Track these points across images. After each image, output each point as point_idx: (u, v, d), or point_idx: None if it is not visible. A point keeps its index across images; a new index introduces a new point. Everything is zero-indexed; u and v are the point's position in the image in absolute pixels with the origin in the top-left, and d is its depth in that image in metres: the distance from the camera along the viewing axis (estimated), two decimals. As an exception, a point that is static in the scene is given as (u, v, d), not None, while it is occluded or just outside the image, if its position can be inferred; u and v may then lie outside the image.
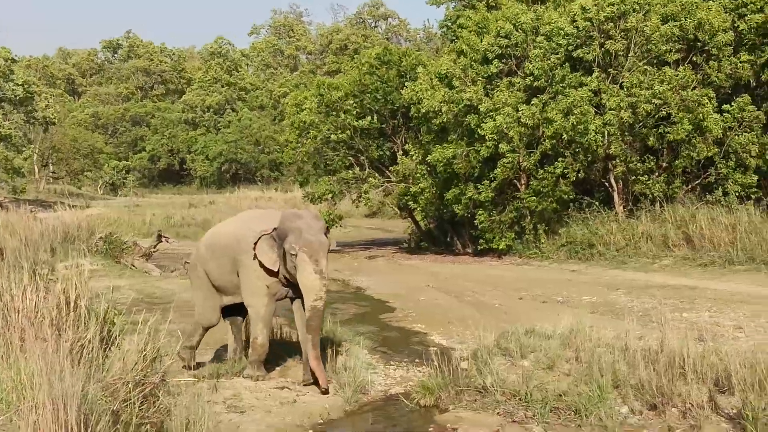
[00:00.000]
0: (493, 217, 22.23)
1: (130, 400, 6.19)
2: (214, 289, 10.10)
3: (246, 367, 9.68)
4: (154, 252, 21.56)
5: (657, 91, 19.63)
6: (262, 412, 8.54)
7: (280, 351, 10.61)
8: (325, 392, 9.14)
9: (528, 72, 21.57)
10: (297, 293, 9.44)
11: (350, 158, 27.30)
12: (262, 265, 9.27)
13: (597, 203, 21.50)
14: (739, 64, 20.28)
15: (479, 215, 22.29)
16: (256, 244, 9.22)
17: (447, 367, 9.49)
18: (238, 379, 9.52)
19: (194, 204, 43.17)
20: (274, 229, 9.32)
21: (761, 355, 8.00)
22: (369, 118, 25.91)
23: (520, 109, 20.88)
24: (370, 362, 11.07)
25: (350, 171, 27.08)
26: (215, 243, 10.15)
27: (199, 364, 10.22)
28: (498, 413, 8.50)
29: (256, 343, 9.59)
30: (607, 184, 21.81)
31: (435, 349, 10.67)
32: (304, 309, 9.36)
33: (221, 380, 9.40)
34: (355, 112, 26.00)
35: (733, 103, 20.24)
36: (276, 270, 9.28)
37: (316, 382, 9.26)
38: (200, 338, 10.42)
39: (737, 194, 19.67)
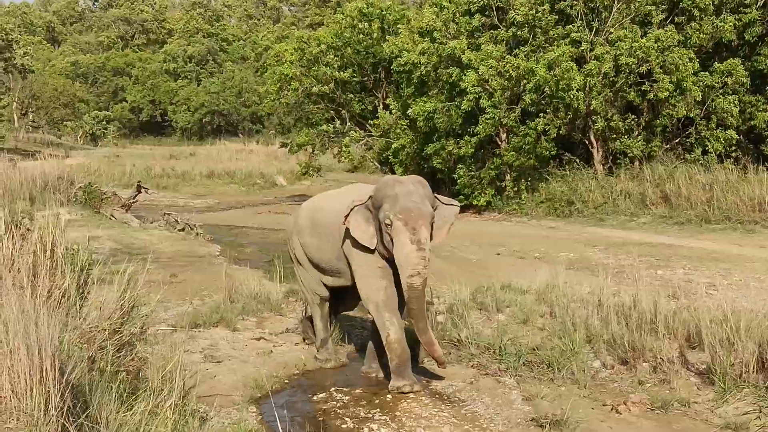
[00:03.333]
0: (473, 173, 22.27)
1: (106, 347, 6.23)
2: (312, 265, 8.91)
3: (393, 386, 7.97)
4: (133, 203, 21.49)
5: (641, 44, 19.61)
6: (238, 362, 8.62)
7: (255, 303, 10.68)
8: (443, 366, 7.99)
9: (511, 22, 21.49)
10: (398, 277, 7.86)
11: (331, 112, 27.25)
12: (357, 242, 7.89)
13: (577, 161, 21.58)
14: (720, 25, 20.28)
15: (459, 171, 22.33)
16: (347, 216, 7.85)
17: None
18: (216, 329, 9.57)
19: (175, 155, 43.00)
20: (370, 197, 7.94)
21: (732, 312, 8.10)
22: (350, 70, 25.81)
23: (503, 60, 20.79)
24: (346, 314, 11.15)
25: (331, 125, 27.02)
26: (316, 219, 8.76)
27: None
28: (472, 366, 8.62)
29: (389, 342, 7.90)
30: (587, 141, 21.88)
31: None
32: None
33: (199, 330, 9.45)
34: (336, 65, 25.88)
35: (717, 65, 20.26)
36: (373, 247, 7.90)
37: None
38: (325, 324, 9.12)
39: (717, 153, 19.75)
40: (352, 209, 7.84)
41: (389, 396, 7.99)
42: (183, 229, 18.90)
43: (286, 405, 7.78)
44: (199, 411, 6.50)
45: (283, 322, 10.30)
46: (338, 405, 7.77)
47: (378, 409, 7.61)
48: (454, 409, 7.61)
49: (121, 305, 6.85)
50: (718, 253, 14.20)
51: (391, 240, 7.65)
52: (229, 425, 6.48)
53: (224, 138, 59.45)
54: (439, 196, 8.26)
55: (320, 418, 7.41)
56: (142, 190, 22.35)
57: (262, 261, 15.40)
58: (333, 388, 8.20)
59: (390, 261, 7.84)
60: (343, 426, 7.21)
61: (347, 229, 7.92)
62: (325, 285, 8.91)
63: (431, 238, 7.79)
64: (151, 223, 19.71)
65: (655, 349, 8.16)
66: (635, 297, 9.01)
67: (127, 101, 72.95)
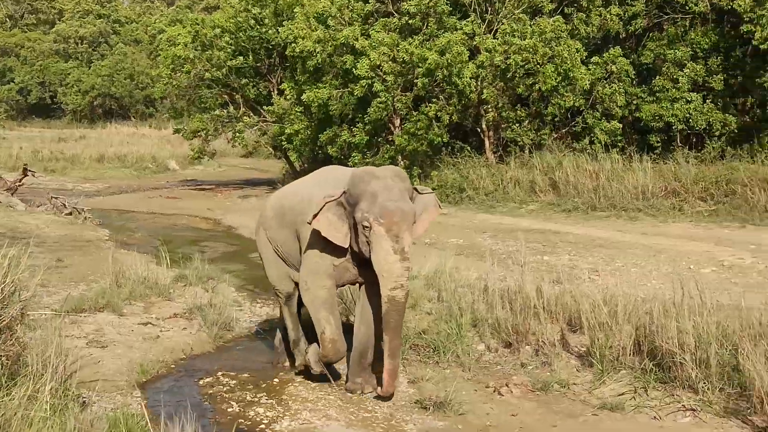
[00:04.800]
0: (367, 160, 22.33)
1: (-16, 331, 6.11)
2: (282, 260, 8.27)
3: (308, 359, 7.77)
4: (19, 186, 21.03)
5: (528, 44, 19.91)
6: (124, 347, 8.53)
7: (143, 288, 10.56)
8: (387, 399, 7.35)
9: (405, 11, 21.61)
10: (368, 276, 7.31)
11: (225, 96, 27.01)
12: (326, 240, 7.22)
13: (469, 148, 21.82)
14: (608, 16, 20.74)
15: (354, 157, 22.38)
16: (317, 214, 7.08)
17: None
18: (102, 314, 9.44)
19: (64, 138, 42.01)
20: (343, 192, 7.19)
21: (611, 296, 8.35)
22: (242, 57, 25.61)
23: (395, 47, 20.87)
24: (236, 299, 11.17)
25: (225, 109, 26.79)
26: (284, 207, 8.12)
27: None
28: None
29: (323, 339, 7.46)
30: (479, 130, 22.13)
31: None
32: (371, 299, 7.49)
33: (84, 315, 9.31)
34: (230, 50, 25.64)
35: (603, 55, 20.71)
36: (346, 246, 7.27)
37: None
38: (295, 323, 8.43)
39: (603, 143, 20.23)
40: (323, 206, 7.08)
41: (276, 380, 8.04)
42: (71, 214, 18.57)
43: (171, 389, 7.75)
44: (80, 396, 6.43)
45: (171, 306, 10.20)
46: (225, 389, 7.78)
47: (264, 393, 7.64)
48: (340, 392, 7.68)
49: (1, 289, 6.70)
50: (603, 240, 14.56)
51: (369, 243, 6.99)
52: (112, 410, 6.41)
53: (116, 121, 58.24)
54: (415, 186, 7.56)
55: (206, 402, 7.41)
56: (29, 173, 21.87)
57: (152, 246, 15.20)
58: (220, 373, 8.20)
59: (356, 258, 7.31)
60: (229, 410, 7.23)
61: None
62: (295, 283, 8.19)
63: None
64: (38, 207, 19.30)
65: (538, 333, 8.37)
66: (520, 282, 9.20)
67: (14, 82, 70.91)
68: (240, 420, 6.95)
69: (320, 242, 7.29)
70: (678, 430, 6.60)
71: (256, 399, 7.48)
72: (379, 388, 7.23)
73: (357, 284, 7.77)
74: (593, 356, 7.73)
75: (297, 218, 7.64)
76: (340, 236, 7.16)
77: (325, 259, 7.39)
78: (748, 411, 6.55)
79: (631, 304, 8.13)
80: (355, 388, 7.56)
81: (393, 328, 7.00)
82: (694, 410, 6.78)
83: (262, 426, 6.83)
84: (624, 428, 6.69)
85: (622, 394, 7.24)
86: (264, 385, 7.87)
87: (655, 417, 6.84)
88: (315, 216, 7.05)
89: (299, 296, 8.14)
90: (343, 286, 8.03)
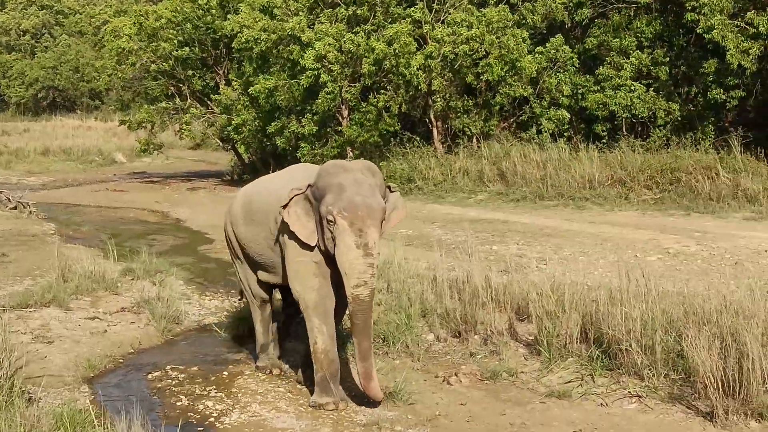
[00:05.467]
0: (316, 151, 22.27)
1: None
2: (249, 260, 7.95)
3: (314, 401, 7.04)
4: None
5: (475, 33, 19.96)
6: (71, 342, 8.46)
7: (89, 282, 10.46)
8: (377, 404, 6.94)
9: (351, 1, 21.57)
10: (336, 277, 6.91)
11: (171, 88, 26.79)
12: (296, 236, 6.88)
13: (418, 139, 21.85)
14: (554, 5, 20.85)
15: (302, 148, 22.31)
16: (286, 206, 6.80)
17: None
18: (48, 309, 9.33)
19: (7, 131, 41.38)
20: (309, 186, 6.86)
21: (559, 285, 8.43)
22: (188, 48, 25.40)
23: (342, 38, 20.82)
24: (185, 293, 11.10)
25: (171, 101, 26.57)
26: (252, 204, 7.74)
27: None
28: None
29: (316, 352, 6.97)
30: (427, 120, 22.17)
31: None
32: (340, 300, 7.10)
33: (30, 310, 9.20)
34: (176, 41, 25.42)
35: (547, 44, 20.84)
36: (313, 244, 6.90)
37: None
38: (266, 327, 8.17)
39: (550, 132, 20.38)
40: (291, 198, 6.77)
41: (225, 373, 8.01)
42: (15, 208, 18.31)
43: (119, 384, 7.71)
44: (27, 392, 6.37)
45: (119, 300, 10.10)
46: (173, 383, 7.74)
47: (214, 386, 7.62)
48: (290, 384, 7.69)
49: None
50: (551, 229, 14.66)
51: (333, 240, 6.63)
52: (58, 405, 6.35)
53: (61, 114, 57.53)
54: (389, 184, 7.17)
55: (154, 397, 7.37)
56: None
57: (99, 239, 15.08)
58: (168, 367, 8.16)
59: (330, 258, 6.84)
60: (178, 403, 7.19)
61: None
62: (267, 284, 7.93)
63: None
64: (-20, 202, 19.01)
65: (486, 322, 8.44)
66: (468, 272, 9.26)
67: (-45, 75, 69.73)
68: (189, 414, 6.92)
69: (295, 239, 6.92)
70: (624, 417, 6.68)
71: (206, 392, 7.46)
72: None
73: None
74: (541, 344, 7.81)
75: (269, 216, 7.28)
76: (306, 233, 6.82)
77: (305, 255, 6.96)
78: (693, 396, 6.66)
79: (578, 292, 8.23)
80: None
81: (361, 329, 6.66)
82: (639, 396, 6.88)
83: (212, 419, 6.81)
84: (571, 415, 6.76)
85: (570, 381, 7.33)
86: (213, 379, 7.85)
87: (601, 404, 6.93)
88: (284, 206, 6.77)
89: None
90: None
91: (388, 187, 7.08)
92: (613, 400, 6.94)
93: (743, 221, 14.41)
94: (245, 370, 8.05)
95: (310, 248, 6.90)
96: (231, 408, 7.04)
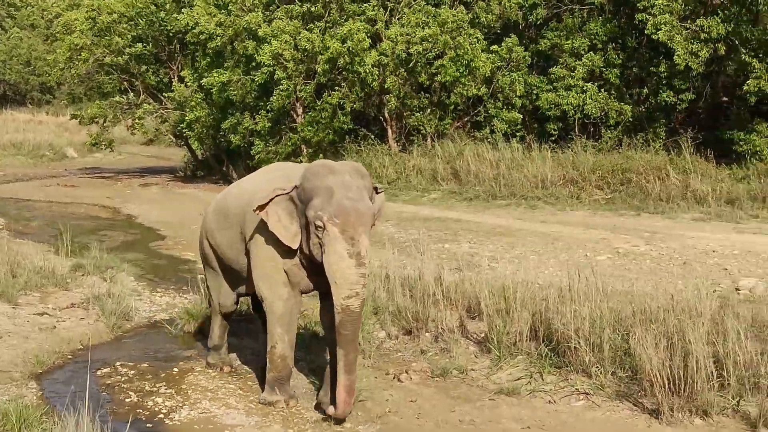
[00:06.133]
0: (270, 148, 22.21)
1: None
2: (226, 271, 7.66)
3: (264, 398, 7.02)
4: None
5: (429, 33, 20.01)
6: (19, 338, 8.38)
7: (39, 278, 10.36)
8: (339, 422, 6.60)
9: (306, -1, 21.59)
10: (321, 284, 6.62)
11: (124, 83, 26.56)
12: (275, 239, 6.58)
13: (372, 136, 21.87)
14: (508, 5, 20.96)
15: (256, 146, 22.23)
16: (265, 207, 6.47)
17: (212, 294, 9.59)
18: (-5, 304, 9.24)
19: (-47, 126, 40.77)
20: (295, 187, 6.52)
21: (510, 284, 8.50)
22: (140, 45, 25.17)
23: (297, 35, 20.79)
24: (135, 289, 11.03)
25: (124, 96, 26.33)
26: (228, 206, 7.42)
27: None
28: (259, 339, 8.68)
29: (273, 354, 6.86)
30: (382, 118, 22.21)
31: (202, 276, 10.72)
32: (325, 306, 6.87)
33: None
34: (129, 36, 25.19)
35: (502, 44, 20.95)
36: (296, 248, 6.59)
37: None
38: (222, 332, 8.05)
39: (503, 132, 20.50)
40: (272, 199, 6.45)
41: (176, 369, 7.98)
42: (-37, 202, 18.07)
43: (68, 380, 7.63)
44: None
45: (69, 296, 10.04)
46: (123, 379, 7.70)
47: (164, 383, 7.59)
48: (240, 381, 7.68)
49: None
50: (503, 228, 14.76)
51: (321, 246, 6.30)
52: (5, 401, 6.29)
53: (11, 108, 56.78)
54: (375, 185, 6.87)
55: (104, 393, 7.33)
56: None
57: (49, 235, 14.93)
58: (118, 363, 8.11)
59: (308, 263, 6.63)
60: (127, 400, 7.16)
61: (259, 218, 6.57)
62: (237, 295, 7.77)
63: None
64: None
65: (438, 320, 8.51)
66: (421, 270, 9.31)
67: None
68: (138, 410, 6.89)
69: (270, 241, 6.64)
70: (572, 414, 6.77)
71: (155, 389, 7.42)
72: (331, 407, 6.52)
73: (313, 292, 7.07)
74: (491, 342, 7.89)
75: (244, 216, 6.95)
76: (288, 235, 6.49)
77: (277, 262, 6.71)
78: (639, 394, 6.77)
79: (528, 291, 8.32)
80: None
81: (349, 340, 6.33)
82: (587, 394, 6.98)
83: (161, 416, 6.79)
84: (520, 412, 6.83)
85: (519, 378, 7.41)
86: (163, 375, 7.81)
87: (550, 401, 7.01)
88: (262, 207, 6.43)
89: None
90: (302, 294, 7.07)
91: (375, 188, 6.81)
92: (561, 398, 7.03)
93: (692, 222, 14.60)
94: (195, 367, 8.02)
95: (286, 253, 6.63)
96: (181, 404, 7.02)
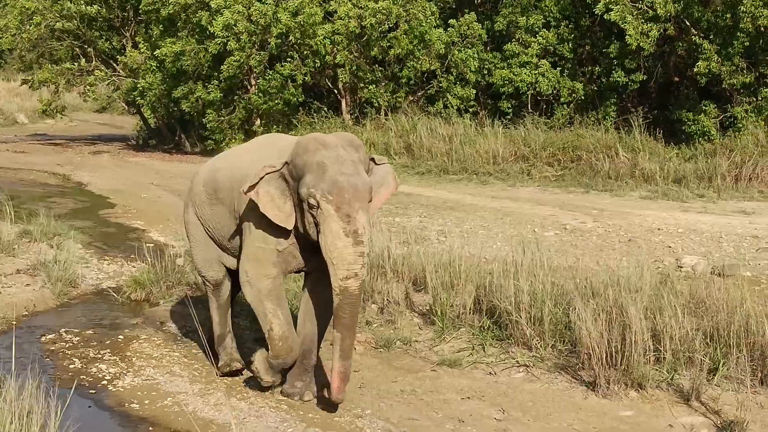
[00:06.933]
0: (223, 117, 22.14)
1: None
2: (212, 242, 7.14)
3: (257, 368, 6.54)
4: None
5: (382, 6, 19.99)
6: (-38, 304, 8.35)
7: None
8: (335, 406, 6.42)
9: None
10: (316, 263, 6.31)
11: (77, 49, 26.23)
12: (266, 219, 6.18)
13: (326, 109, 21.86)
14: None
15: (208, 115, 22.14)
16: (255, 186, 6.07)
17: (160, 262, 9.62)
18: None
19: None
20: (285, 163, 6.17)
21: (456, 257, 8.60)
22: (97, 6, 24.84)
23: (251, 7, 20.68)
24: (83, 256, 10.98)
25: (76, 62, 26.01)
26: (217, 181, 6.91)
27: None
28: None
29: (272, 337, 6.38)
30: (336, 91, 22.19)
31: (151, 245, 10.74)
32: (319, 289, 6.52)
33: None
34: (82, 1, 24.84)
35: (459, 20, 20.99)
36: (290, 228, 6.24)
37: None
38: (222, 317, 7.31)
39: (456, 107, 20.59)
40: (262, 177, 6.06)
41: (120, 337, 8.00)
42: None
43: (11, 346, 7.59)
44: None
45: (15, 263, 9.99)
46: (67, 346, 7.72)
47: (108, 350, 7.61)
48: (185, 349, 7.71)
49: None
50: (453, 202, 14.87)
51: (316, 224, 5.99)
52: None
53: (-40, 73, 55.94)
54: (372, 156, 6.51)
55: (47, 359, 7.34)
56: None
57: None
58: (63, 329, 8.13)
59: (302, 242, 6.32)
60: (71, 366, 7.18)
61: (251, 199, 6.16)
62: (227, 270, 7.17)
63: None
64: None
65: (384, 292, 8.58)
66: (369, 243, 9.35)
67: None
68: (82, 376, 6.92)
69: (262, 222, 6.23)
70: (511, 385, 6.89)
71: (100, 355, 7.45)
72: (325, 390, 6.37)
73: (302, 272, 6.79)
74: (435, 314, 8.00)
75: (234, 193, 6.55)
76: (282, 215, 6.13)
77: (269, 242, 6.34)
78: (577, 367, 6.90)
79: (474, 264, 8.43)
80: (293, 392, 6.63)
81: (346, 324, 6.05)
82: (527, 366, 7.11)
83: (104, 382, 6.83)
84: (461, 383, 6.94)
85: (461, 350, 7.52)
86: (108, 342, 7.83)
87: (490, 372, 7.13)
88: (252, 186, 6.04)
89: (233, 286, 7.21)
90: (289, 273, 6.80)
91: (372, 159, 6.44)
92: (501, 369, 7.15)
93: (639, 200, 14.81)
94: (141, 335, 8.04)
95: (279, 234, 6.29)
96: (125, 371, 7.05)
